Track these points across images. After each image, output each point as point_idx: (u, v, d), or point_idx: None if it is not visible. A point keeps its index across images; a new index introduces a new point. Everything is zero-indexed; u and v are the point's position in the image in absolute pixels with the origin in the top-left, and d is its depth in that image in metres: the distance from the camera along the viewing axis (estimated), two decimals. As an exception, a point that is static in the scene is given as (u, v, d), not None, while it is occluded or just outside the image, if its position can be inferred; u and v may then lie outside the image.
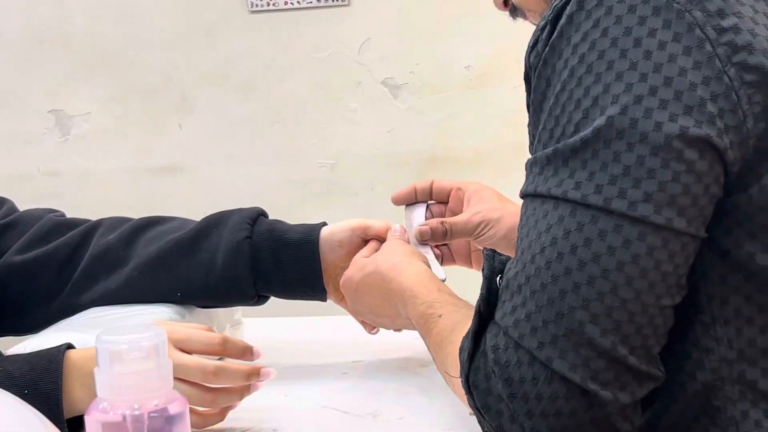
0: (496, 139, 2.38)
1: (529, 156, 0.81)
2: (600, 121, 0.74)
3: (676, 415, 0.79)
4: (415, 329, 1.03)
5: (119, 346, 0.65)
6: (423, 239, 1.16)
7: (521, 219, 0.81)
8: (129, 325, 0.88)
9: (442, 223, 1.16)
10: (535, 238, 0.77)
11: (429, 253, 1.15)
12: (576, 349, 0.74)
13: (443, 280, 1.11)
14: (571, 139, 0.76)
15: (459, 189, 1.20)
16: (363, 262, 1.10)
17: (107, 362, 0.65)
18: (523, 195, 0.81)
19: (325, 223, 1.19)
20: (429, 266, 1.08)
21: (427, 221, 1.17)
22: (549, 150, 0.77)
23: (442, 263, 1.18)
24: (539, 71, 0.80)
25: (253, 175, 2.46)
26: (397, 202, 1.21)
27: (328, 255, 1.15)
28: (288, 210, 2.42)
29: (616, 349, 0.74)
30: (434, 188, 1.21)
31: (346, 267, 1.14)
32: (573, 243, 0.75)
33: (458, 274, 1.20)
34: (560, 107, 0.77)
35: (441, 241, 1.18)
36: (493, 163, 2.38)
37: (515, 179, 2.37)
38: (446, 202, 1.21)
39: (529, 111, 0.83)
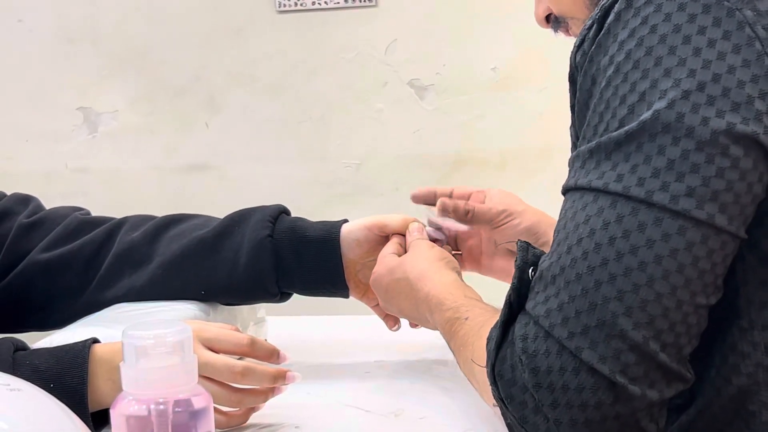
0: (522, 142, 2.38)
1: (566, 158, 0.81)
2: (646, 115, 0.74)
3: (711, 418, 0.79)
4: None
5: (145, 341, 0.65)
6: (443, 210, 1.15)
7: (560, 213, 0.80)
8: (155, 320, 0.89)
9: (466, 204, 1.15)
10: (573, 230, 0.77)
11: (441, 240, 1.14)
12: (607, 341, 0.74)
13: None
14: (615, 133, 0.76)
15: (480, 191, 1.20)
16: (391, 264, 1.10)
17: (133, 357, 0.65)
18: (564, 190, 0.81)
19: (346, 220, 1.19)
20: (459, 274, 1.07)
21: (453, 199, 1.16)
22: (592, 143, 0.77)
23: None
24: (585, 69, 0.80)
25: (279, 174, 2.47)
26: (416, 200, 1.21)
27: (347, 253, 1.16)
28: (313, 210, 2.42)
29: (647, 343, 0.74)
30: (455, 191, 1.21)
31: (367, 264, 1.14)
32: (611, 234, 0.74)
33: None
34: (605, 103, 0.77)
35: (462, 220, 1.16)
36: (518, 166, 2.37)
37: (541, 182, 2.38)
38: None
39: (573, 111, 0.83)
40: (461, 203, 1.15)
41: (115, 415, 0.65)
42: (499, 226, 1.16)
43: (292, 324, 1.36)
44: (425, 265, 1.07)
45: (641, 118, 0.75)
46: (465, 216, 1.15)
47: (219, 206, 2.43)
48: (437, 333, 1.02)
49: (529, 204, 1.19)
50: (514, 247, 1.15)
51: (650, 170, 0.74)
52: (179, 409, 0.65)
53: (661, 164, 0.74)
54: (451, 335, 0.97)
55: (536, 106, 2.35)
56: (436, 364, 1.15)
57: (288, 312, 1.32)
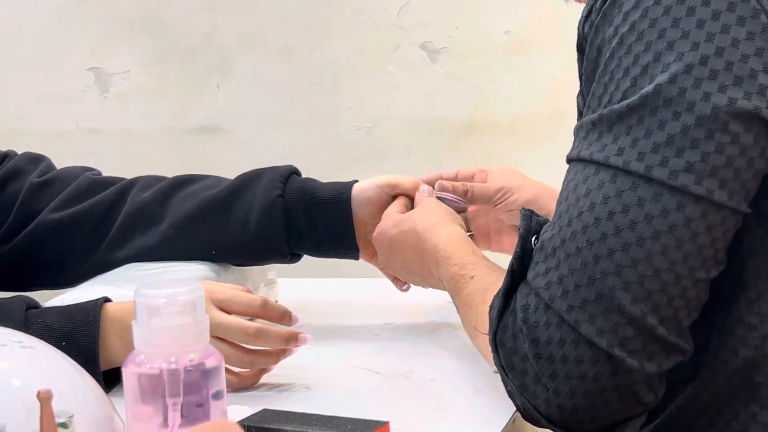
0: (535, 107, 2.37)
1: (574, 124, 0.81)
2: (648, 88, 0.75)
3: (717, 390, 0.80)
4: (444, 290, 1.04)
5: (157, 300, 0.66)
6: (442, 190, 1.16)
7: (563, 183, 0.81)
8: (167, 279, 0.89)
9: (464, 184, 1.17)
10: (574, 202, 0.77)
11: None
12: (605, 315, 0.74)
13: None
14: (618, 105, 0.76)
15: (483, 170, 1.21)
16: (398, 218, 1.11)
17: (145, 316, 0.66)
18: (568, 160, 0.81)
19: (356, 181, 1.19)
20: (465, 229, 1.09)
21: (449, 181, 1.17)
22: (595, 115, 0.78)
23: None
24: (591, 40, 0.80)
25: (289, 137, 2.47)
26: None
27: (358, 212, 1.16)
28: (324, 173, 2.39)
29: (645, 318, 0.74)
30: (459, 174, 1.22)
31: (376, 224, 1.14)
32: (611, 209, 0.75)
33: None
34: (608, 74, 0.77)
35: (462, 199, 1.17)
36: (530, 131, 2.37)
37: (552, 148, 2.37)
38: None
39: (581, 81, 0.83)
40: (459, 184, 1.16)
41: (126, 374, 0.65)
42: (499, 204, 1.17)
43: (302, 286, 1.37)
44: (434, 218, 1.08)
45: (643, 91, 0.75)
46: (464, 196, 1.16)
47: (229, 169, 2.41)
48: (445, 297, 1.03)
49: (529, 178, 1.20)
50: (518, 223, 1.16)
51: (650, 145, 0.74)
52: (191, 368, 0.66)
53: (661, 139, 0.74)
54: (456, 292, 0.98)
55: (549, 70, 2.33)
56: (443, 326, 1.16)
57: (298, 274, 1.32)
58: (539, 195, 1.16)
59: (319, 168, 2.36)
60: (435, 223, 1.07)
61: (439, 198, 1.16)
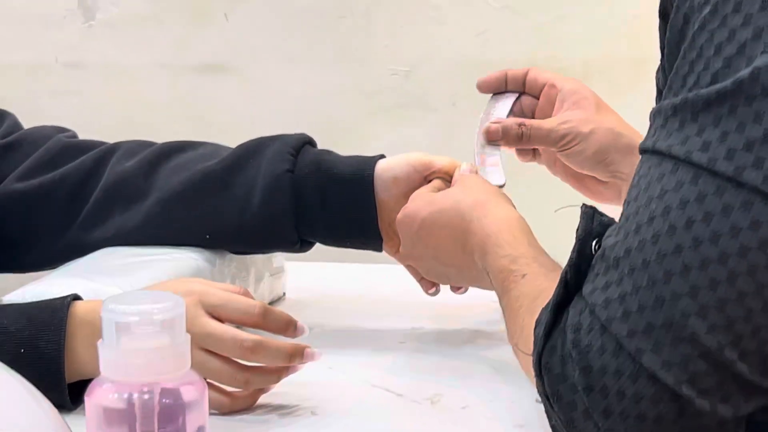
0: (611, 51, 2.35)
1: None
2: (744, 72, 0.73)
3: None
4: (486, 288, 1.03)
5: (128, 318, 0.66)
6: (491, 140, 1.16)
7: (633, 179, 0.80)
8: (142, 291, 0.90)
9: (520, 125, 1.16)
10: (644, 205, 0.77)
11: (495, 156, 1.16)
12: (674, 345, 0.74)
13: (501, 186, 1.13)
14: (705, 90, 0.75)
15: (553, 86, 1.20)
16: (432, 197, 1.10)
17: (113, 335, 0.66)
18: (641, 150, 0.80)
19: (382, 156, 1.19)
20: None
21: (501, 120, 1.18)
22: (677, 99, 0.77)
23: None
24: (678, 4, 0.79)
25: (311, 79, 2.47)
26: (483, 88, 1.22)
27: (382, 193, 1.16)
28: (351, 125, 2.43)
29: (723, 351, 0.74)
30: (528, 79, 1.21)
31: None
32: (689, 216, 0.74)
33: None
34: (696, 50, 0.76)
35: (515, 146, 1.18)
36: (605, 80, 2.35)
37: (632, 101, 2.35)
38: (538, 98, 1.22)
39: (663, 54, 0.82)
40: (513, 127, 1.15)
41: (90, 405, 0.66)
42: (562, 151, 1.17)
43: (315, 273, 1.38)
44: (482, 195, 1.08)
45: (738, 75, 0.74)
46: (519, 141, 1.16)
47: (238, 115, 2.43)
48: (487, 298, 1.03)
49: (604, 109, 1.19)
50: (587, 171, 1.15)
51: (743, 141, 0.73)
52: (167, 400, 0.66)
53: (756, 135, 0.73)
54: (503, 291, 0.98)
55: (630, 6, 2.32)
56: (481, 337, 1.16)
57: (311, 258, 1.32)
58: (610, 146, 1.15)
59: (346, 117, 2.38)
60: (485, 201, 1.06)
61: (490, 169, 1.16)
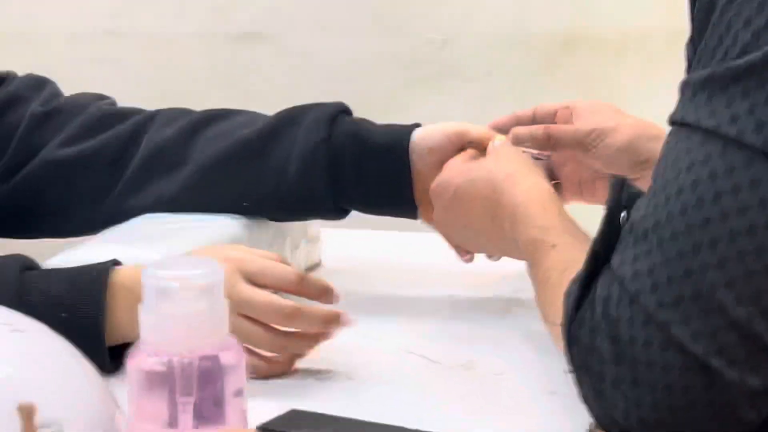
0: (649, 21, 2.33)
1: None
2: None
3: None
4: (517, 258, 1.04)
5: (168, 283, 0.67)
6: (518, 142, 1.15)
7: (662, 151, 0.80)
8: (181, 257, 0.91)
9: (545, 128, 1.15)
10: (673, 177, 0.77)
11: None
12: (703, 316, 0.74)
13: None
14: (734, 62, 0.75)
15: (566, 107, 1.20)
16: (466, 167, 1.11)
17: (153, 300, 0.67)
18: (670, 122, 0.80)
19: (418, 125, 1.20)
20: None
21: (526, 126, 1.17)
22: (706, 72, 0.77)
23: None
24: None
25: (346, 47, 2.47)
26: (495, 130, 1.20)
27: (417, 162, 1.17)
28: (387, 95, 2.43)
29: (752, 322, 0.74)
30: (537, 112, 1.20)
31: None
32: (718, 189, 0.74)
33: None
34: (726, 23, 0.76)
35: (542, 149, 1.17)
36: (642, 50, 2.34)
37: (669, 73, 2.32)
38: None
39: (692, 26, 0.82)
40: (539, 129, 1.15)
41: (131, 368, 0.67)
42: (591, 149, 1.15)
43: (350, 241, 1.38)
44: (515, 166, 1.08)
45: (766, 48, 0.73)
46: (546, 143, 1.15)
47: (274, 84, 2.44)
48: (522, 267, 1.03)
49: (624, 113, 1.19)
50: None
51: None
52: (206, 364, 0.67)
53: None
54: (534, 262, 0.99)
55: (669, -24, 2.30)
56: (515, 305, 1.16)
57: (346, 225, 1.33)
58: (638, 137, 1.15)
59: (381, 87, 2.38)
60: (515, 172, 1.07)
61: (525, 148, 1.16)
